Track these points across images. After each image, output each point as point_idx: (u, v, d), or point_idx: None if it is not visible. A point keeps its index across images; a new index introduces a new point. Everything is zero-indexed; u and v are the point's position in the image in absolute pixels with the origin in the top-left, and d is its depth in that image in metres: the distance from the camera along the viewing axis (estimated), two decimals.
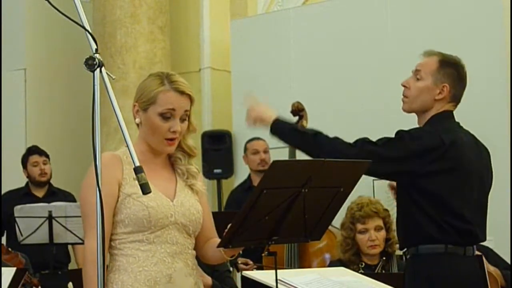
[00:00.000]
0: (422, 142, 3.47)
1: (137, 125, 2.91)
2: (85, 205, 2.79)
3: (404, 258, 3.71)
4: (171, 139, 2.84)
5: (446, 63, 3.59)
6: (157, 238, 2.81)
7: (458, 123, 3.69)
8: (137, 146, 2.81)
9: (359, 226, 4.74)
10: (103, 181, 2.46)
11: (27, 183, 6.58)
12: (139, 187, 2.40)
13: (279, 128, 3.59)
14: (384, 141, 3.51)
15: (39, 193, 6.49)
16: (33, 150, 6.60)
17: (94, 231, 2.53)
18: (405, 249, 3.65)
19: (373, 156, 3.31)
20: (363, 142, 3.49)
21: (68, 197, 6.43)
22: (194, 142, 3.01)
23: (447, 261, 3.49)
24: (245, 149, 6.62)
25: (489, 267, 4.43)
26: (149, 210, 2.78)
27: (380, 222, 4.75)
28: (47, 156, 6.57)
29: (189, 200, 2.90)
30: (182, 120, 2.85)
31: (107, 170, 2.67)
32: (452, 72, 3.58)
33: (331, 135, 3.61)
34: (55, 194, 6.45)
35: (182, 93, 2.83)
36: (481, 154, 3.69)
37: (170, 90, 2.82)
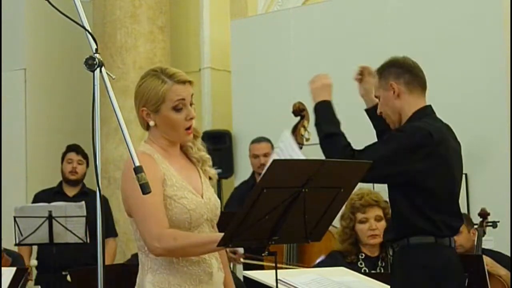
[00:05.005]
0: (414, 138, 3.58)
1: (143, 129, 2.98)
2: (137, 197, 2.73)
3: (392, 251, 3.73)
4: (189, 128, 2.92)
5: (382, 68, 3.80)
6: None
7: (439, 119, 3.80)
8: (156, 144, 2.91)
9: (359, 216, 4.70)
10: (154, 181, 2.62)
11: (60, 182, 6.55)
12: (177, 188, 2.70)
13: (316, 110, 3.78)
14: (378, 143, 3.67)
15: (70, 192, 6.44)
16: (71, 148, 6.52)
17: (154, 218, 2.72)
18: (392, 243, 3.70)
19: (370, 158, 3.38)
20: (360, 151, 3.64)
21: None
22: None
23: (438, 252, 3.57)
24: (249, 150, 6.62)
25: (500, 271, 4.44)
26: (190, 213, 2.84)
27: (380, 212, 4.71)
28: (85, 157, 6.46)
29: (212, 193, 3.00)
30: (190, 105, 2.93)
31: (154, 168, 2.78)
32: (389, 70, 3.76)
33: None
34: (86, 195, 6.34)
35: (184, 82, 2.90)
36: (457, 148, 3.79)
37: (174, 84, 2.88)
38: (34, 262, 5.99)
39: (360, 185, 3.40)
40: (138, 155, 2.72)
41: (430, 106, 3.77)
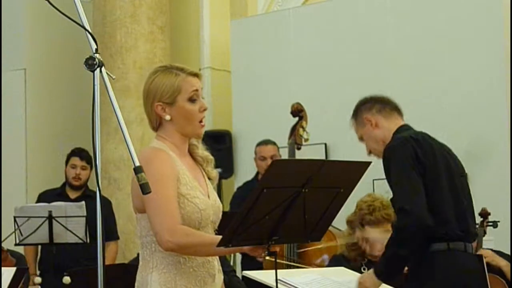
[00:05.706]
0: (401, 152, 3.63)
1: (153, 127, 2.96)
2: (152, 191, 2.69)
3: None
4: (201, 121, 2.95)
5: (354, 112, 3.99)
6: None
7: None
8: (169, 141, 2.92)
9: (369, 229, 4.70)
10: (170, 177, 2.70)
11: (63, 183, 6.53)
12: (190, 187, 2.74)
13: (385, 278, 3.62)
14: (399, 198, 3.62)
15: (73, 194, 6.39)
16: (75, 152, 6.46)
17: (168, 213, 2.73)
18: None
19: (413, 209, 3.50)
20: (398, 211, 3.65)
21: (104, 202, 6.04)
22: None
23: (450, 257, 3.58)
24: (255, 152, 6.54)
25: (500, 262, 4.45)
26: (201, 213, 2.85)
27: (389, 227, 4.69)
28: (88, 162, 6.36)
29: (216, 196, 3.00)
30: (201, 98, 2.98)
31: (170, 164, 2.81)
32: (359, 109, 3.94)
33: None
34: (88, 197, 6.26)
35: (195, 75, 2.96)
36: (446, 150, 3.82)
37: (187, 76, 2.93)
38: (38, 279, 5.95)
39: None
40: (154, 151, 2.83)
41: (407, 124, 3.85)
